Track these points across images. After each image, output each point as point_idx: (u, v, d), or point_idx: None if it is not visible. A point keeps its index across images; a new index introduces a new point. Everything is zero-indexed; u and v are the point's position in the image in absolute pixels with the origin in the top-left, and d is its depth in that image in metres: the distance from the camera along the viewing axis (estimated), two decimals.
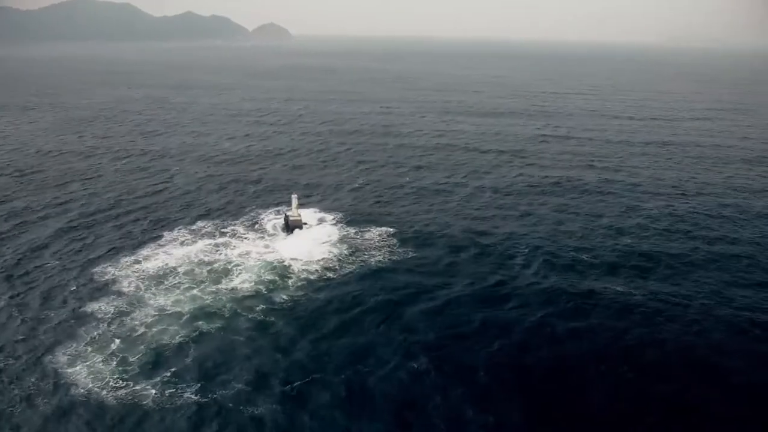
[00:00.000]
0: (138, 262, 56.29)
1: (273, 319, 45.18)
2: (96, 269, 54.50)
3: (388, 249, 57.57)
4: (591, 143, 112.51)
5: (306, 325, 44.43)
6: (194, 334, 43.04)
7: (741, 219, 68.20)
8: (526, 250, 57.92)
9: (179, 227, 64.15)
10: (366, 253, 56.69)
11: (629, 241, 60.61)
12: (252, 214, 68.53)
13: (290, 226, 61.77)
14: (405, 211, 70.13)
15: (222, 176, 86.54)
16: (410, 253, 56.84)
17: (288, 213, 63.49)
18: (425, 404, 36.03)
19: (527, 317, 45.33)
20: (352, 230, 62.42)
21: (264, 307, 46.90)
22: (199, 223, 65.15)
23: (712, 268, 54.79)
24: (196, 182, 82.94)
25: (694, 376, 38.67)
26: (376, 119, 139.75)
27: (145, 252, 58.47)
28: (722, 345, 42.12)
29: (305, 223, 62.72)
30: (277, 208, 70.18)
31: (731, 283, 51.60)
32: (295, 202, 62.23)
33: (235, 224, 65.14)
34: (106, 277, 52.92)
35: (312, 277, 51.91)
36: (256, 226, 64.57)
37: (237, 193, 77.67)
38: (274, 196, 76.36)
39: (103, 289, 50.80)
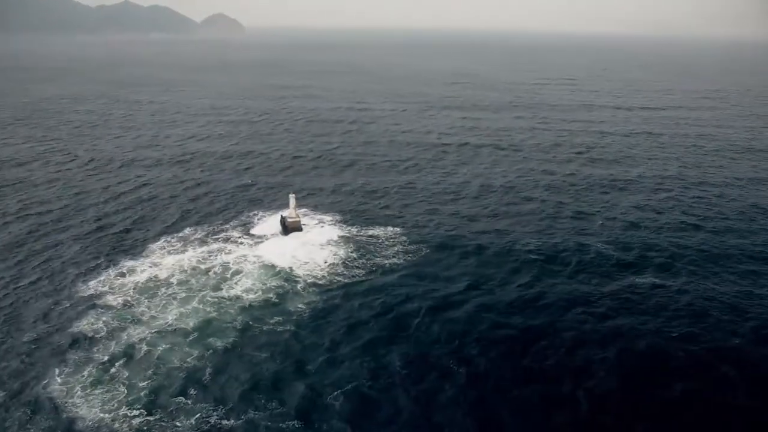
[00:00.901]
0: (122, 274, 53.11)
1: (293, 329, 43.45)
2: (76, 286, 51.05)
3: (398, 248, 56.56)
4: (586, 135, 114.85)
5: (333, 334, 43.04)
6: (208, 353, 40.77)
7: None
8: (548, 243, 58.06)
9: (165, 235, 60.99)
10: (375, 253, 55.49)
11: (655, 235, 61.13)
12: (243, 217, 65.99)
13: (288, 228, 59.71)
14: (407, 208, 69.33)
15: (203, 179, 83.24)
16: (424, 250, 56.03)
17: (285, 214, 61.37)
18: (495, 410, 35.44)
19: (569, 315, 45.27)
20: (354, 230, 61.06)
21: (279, 317, 45.01)
22: (187, 230, 62.13)
23: None
24: (174, 186, 79.29)
25: None
26: (355, 115, 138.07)
27: (128, 263, 55.28)
28: None
29: (302, 225, 60.73)
30: (270, 210, 67.95)
31: None
32: (293, 202, 60.19)
33: (226, 229, 62.51)
34: (89, 293, 49.76)
35: (321, 282, 50.29)
36: (251, 229, 62.18)
37: (224, 197, 74.73)
38: (266, 197, 73.99)
39: (89, 306, 47.65)
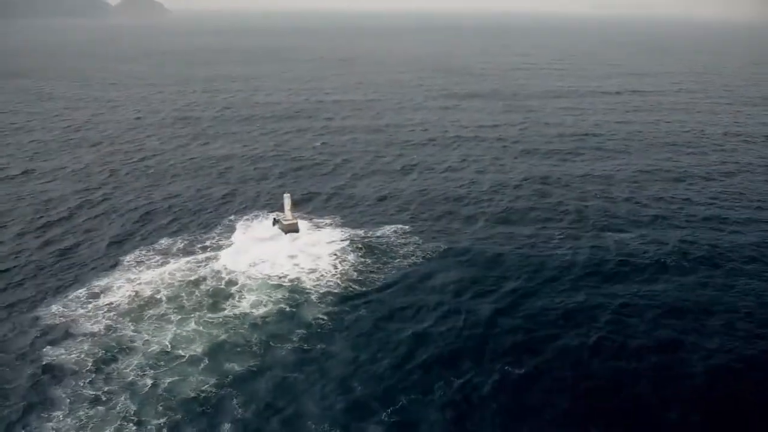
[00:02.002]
0: (95, 295, 48.22)
1: (322, 345, 40.66)
2: (40, 312, 45.59)
3: (412, 247, 54.60)
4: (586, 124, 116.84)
5: (369, 347, 40.65)
6: (227, 379, 37.31)
7: None
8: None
9: (137, 248, 55.94)
10: (388, 255, 53.29)
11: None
12: (227, 223, 61.71)
13: (284, 231, 56.31)
14: (412, 205, 67.10)
15: (171, 182, 77.53)
16: (441, 246, 54.37)
17: (279, 217, 57.83)
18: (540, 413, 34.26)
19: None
20: (360, 233, 58.17)
21: (301, 332, 42.00)
22: (163, 241, 57.32)
23: None
24: (138, 192, 73.19)
25: None
26: (333, 108, 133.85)
27: (100, 282, 50.35)
28: None
29: (299, 228, 57.46)
30: (256, 213, 64.04)
31: None
32: (288, 202, 56.77)
33: (209, 237, 58.27)
34: (59, 320, 44.60)
35: (337, 291, 47.54)
36: (239, 235, 58.13)
37: (201, 201, 69.68)
38: (249, 201, 69.48)
39: (63, 336, 42.68)
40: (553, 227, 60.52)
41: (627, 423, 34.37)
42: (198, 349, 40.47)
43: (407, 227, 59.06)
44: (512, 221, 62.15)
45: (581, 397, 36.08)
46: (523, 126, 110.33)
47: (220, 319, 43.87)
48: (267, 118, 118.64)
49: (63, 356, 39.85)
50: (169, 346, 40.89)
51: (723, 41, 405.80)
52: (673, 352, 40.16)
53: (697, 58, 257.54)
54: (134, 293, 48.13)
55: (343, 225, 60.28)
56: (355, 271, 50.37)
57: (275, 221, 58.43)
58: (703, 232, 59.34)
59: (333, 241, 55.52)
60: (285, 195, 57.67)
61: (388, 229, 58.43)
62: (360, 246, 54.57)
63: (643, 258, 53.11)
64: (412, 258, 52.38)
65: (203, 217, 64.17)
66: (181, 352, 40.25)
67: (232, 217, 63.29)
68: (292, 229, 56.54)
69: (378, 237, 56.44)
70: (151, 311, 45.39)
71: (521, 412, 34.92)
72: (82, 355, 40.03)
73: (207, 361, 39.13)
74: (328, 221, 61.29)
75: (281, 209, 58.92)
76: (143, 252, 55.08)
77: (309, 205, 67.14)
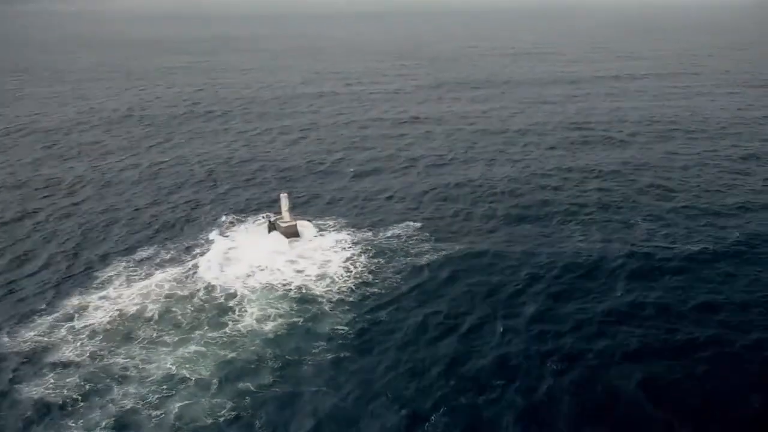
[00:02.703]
0: (70, 317, 43.22)
1: (348, 354, 37.40)
2: (9, 341, 40.44)
3: (427, 246, 51.62)
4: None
5: (403, 355, 37.66)
6: (245, 401, 33.57)
7: None
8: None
9: (114, 261, 50.96)
10: (402, 255, 50.13)
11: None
12: (213, 228, 57.11)
13: (284, 235, 52.47)
14: (420, 202, 63.82)
15: (143, 185, 71.64)
16: (457, 245, 51.62)
17: (275, 219, 53.94)
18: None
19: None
20: (369, 234, 54.59)
21: (321, 344, 38.46)
22: (143, 252, 52.49)
23: None
24: (109, 199, 67.23)
25: None
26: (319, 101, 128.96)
27: (73, 301, 45.40)
28: None
29: (300, 231, 53.75)
30: (246, 216, 59.75)
31: None
32: (285, 202, 52.87)
33: (196, 244, 53.78)
34: (30, 347, 39.62)
35: (351, 297, 44.07)
36: (229, 242, 53.83)
37: (181, 204, 64.42)
38: (238, 203, 64.69)
39: (41, 366, 37.80)
40: (575, 221, 58.33)
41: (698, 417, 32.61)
42: (205, 371, 36.34)
43: (418, 224, 55.96)
44: (529, 215, 59.58)
45: (647, 394, 34.11)
46: (521, 113, 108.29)
47: (225, 337, 39.66)
48: (240, 114, 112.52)
49: (46, 391, 34.99)
50: (172, 369, 36.62)
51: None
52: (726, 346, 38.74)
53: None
54: (117, 312, 43.42)
55: (346, 226, 56.49)
56: (368, 274, 46.92)
57: (271, 225, 54.45)
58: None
59: (339, 244, 52.00)
60: (282, 194, 53.72)
61: (397, 229, 55.08)
62: (370, 248, 51.15)
63: (679, 250, 51.35)
64: (429, 258, 49.28)
65: (185, 222, 59.29)
66: (186, 374, 36.04)
67: (222, 219, 58.79)
68: (292, 232, 52.72)
69: (389, 237, 53.12)
70: (141, 333, 40.84)
71: (583, 417, 32.70)
72: (67, 389, 35.24)
73: (218, 383, 35.07)
74: (330, 223, 57.42)
75: (278, 211, 55.04)
76: (120, 264, 50.10)
77: (308, 206, 63.05)
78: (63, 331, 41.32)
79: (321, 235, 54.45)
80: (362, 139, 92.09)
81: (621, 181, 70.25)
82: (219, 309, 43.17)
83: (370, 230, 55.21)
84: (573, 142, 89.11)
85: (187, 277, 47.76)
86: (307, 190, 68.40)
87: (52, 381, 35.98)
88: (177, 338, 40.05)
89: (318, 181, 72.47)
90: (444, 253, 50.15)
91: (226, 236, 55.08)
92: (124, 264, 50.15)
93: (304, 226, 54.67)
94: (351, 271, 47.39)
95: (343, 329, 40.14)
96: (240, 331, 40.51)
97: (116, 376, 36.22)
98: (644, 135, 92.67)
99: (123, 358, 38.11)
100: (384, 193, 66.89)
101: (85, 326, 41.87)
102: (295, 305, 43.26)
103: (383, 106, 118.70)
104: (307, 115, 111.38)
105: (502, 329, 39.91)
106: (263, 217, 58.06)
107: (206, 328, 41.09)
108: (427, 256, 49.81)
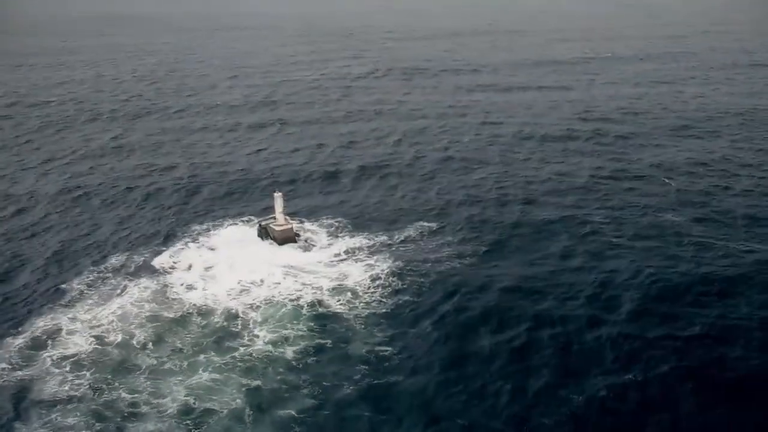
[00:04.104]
0: (33, 347, 38.71)
1: (396, 377, 35.37)
2: None
3: (449, 250, 49.43)
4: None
5: (461, 370, 36.32)
6: (295, 428, 31.14)
7: None
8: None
9: (82, 273, 46.26)
10: (426, 257, 47.91)
11: None
12: (192, 235, 52.87)
13: (278, 240, 49.40)
14: (427, 200, 61.46)
15: (110, 185, 66.91)
16: (482, 248, 49.76)
17: (268, 222, 50.49)
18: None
19: None
20: (383, 238, 51.82)
21: (362, 367, 36.10)
22: (115, 259, 48.02)
23: None
24: (71, 202, 61.86)
25: None
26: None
27: (38, 324, 41.05)
28: None
29: (297, 235, 50.82)
30: (231, 219, 55.84)
31: None
32: (279, 203, 49.44)
33: (175, 251, 49.67)
34: (7, 383, 35.52)
35: (379, 309, 41.41)
36: (217, 250, 49.94)
37: (156, 210, 60.02)
38: (224, 204, 60.95)
39: (25, 403, 33.85)
40: (607, 222, 55.62)
41: None
42: (231, 400, 33.44)
43: (434, 225, 53.54)
44: (543, 210, 58.04)
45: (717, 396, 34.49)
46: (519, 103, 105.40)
47: (240, 363, 36.45)
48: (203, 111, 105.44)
49: None
50: (189, 401, 33.39)
51: None
52: None
53: None
54: (93, 340, 38.99)
55: (355, 230, 53.27)
56: (392, 282, 44.36)
57: (261, 229, 51.01)
58: None
59: (349, 251, 48.89)
60: (276, 194, 50.02)
61: (412, 231, 52.48)
62: (386, 253, 48.44)
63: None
64: (453, 263, 47.00)
65: (163, 228, 54.97)
66: (209, 405, 32.99)
67: (201, 226, 54.48)
68: (288, 236, 49.41)
69: (403, 242, 50.43)
70: (138, 361, 37.06)
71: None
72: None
73: (252, 412, 32.59)
74: (335, 226, 54.18)
75: (271, 212, 51.63)
76: (89, 276, 45.92)
77: (306, 208, 59.66)
78: (34, 363, 37.02)
79: (329, 237, 51.84)
80: (351, 134, 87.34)
81: None
82: (220, 331, 39.54)
83: (384, 234, 52.19)
84: (588, 136, 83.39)
85: (167, 296, 43.56)
86: (303, 192, 64.68)
87: (52, 424, 32.22)
88: (181, 366, 36.46)
89: (316, 182, 68.08)
90: (468, 257, 48.01)
91: (203, 244, 50.85)
92: (90, 276, 46.09)
93: (299, 227, 51.98)
94: (369, 281, 44.33)
95: (381, 348, 37.67)
96: (248, 354, 37.27)
97: (126, 413, 32.67)
98: None
99: (126, 393, 34.40)
100: (387, 193, 63.95)
101: (65, 356, 37.57)
102: (311, 324, 40.01)
103: (363, 97, 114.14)
104: (285, 110, 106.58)
105: (557, 332, 39.05)
106: (254, 220, 54.60)
107: (211, 353, 37.58)
108: (450, 263, 47.37)
